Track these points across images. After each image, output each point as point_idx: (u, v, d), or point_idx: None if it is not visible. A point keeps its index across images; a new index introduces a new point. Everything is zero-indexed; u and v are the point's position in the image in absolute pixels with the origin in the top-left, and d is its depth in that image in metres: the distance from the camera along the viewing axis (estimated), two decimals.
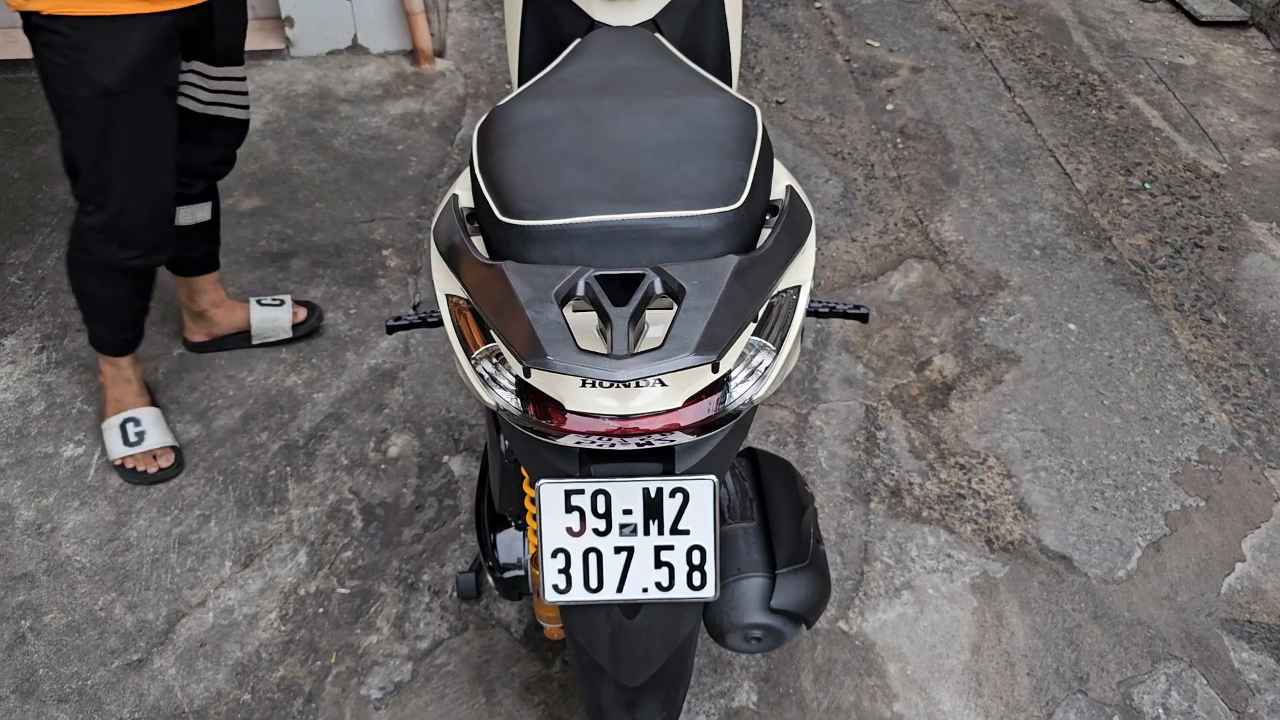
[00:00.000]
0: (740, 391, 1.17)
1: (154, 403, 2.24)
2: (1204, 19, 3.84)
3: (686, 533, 1.29)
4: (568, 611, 1.39)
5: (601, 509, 1.28)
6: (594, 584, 1.30)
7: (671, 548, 1.29)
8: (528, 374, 1.15)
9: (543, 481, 1.27)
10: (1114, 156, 3.17)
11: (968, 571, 2.01)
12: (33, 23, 1.73)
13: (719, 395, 1.16)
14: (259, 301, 2.44)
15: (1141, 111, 3.38)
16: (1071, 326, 2.57)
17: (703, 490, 1.27)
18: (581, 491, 1.28)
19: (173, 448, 2.17)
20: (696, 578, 1.30)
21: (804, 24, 3.86)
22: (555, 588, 1.30)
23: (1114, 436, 2.28)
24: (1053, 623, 1.93)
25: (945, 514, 2.12)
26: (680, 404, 1.15)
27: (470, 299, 1.16)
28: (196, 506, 2.09)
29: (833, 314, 1.76)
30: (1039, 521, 2.11)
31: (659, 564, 1.30)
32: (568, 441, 1.20)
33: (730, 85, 1.97)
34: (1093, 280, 2.71)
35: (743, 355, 1.19)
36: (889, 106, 3.40)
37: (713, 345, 1.02)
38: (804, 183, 3.03)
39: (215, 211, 2.25)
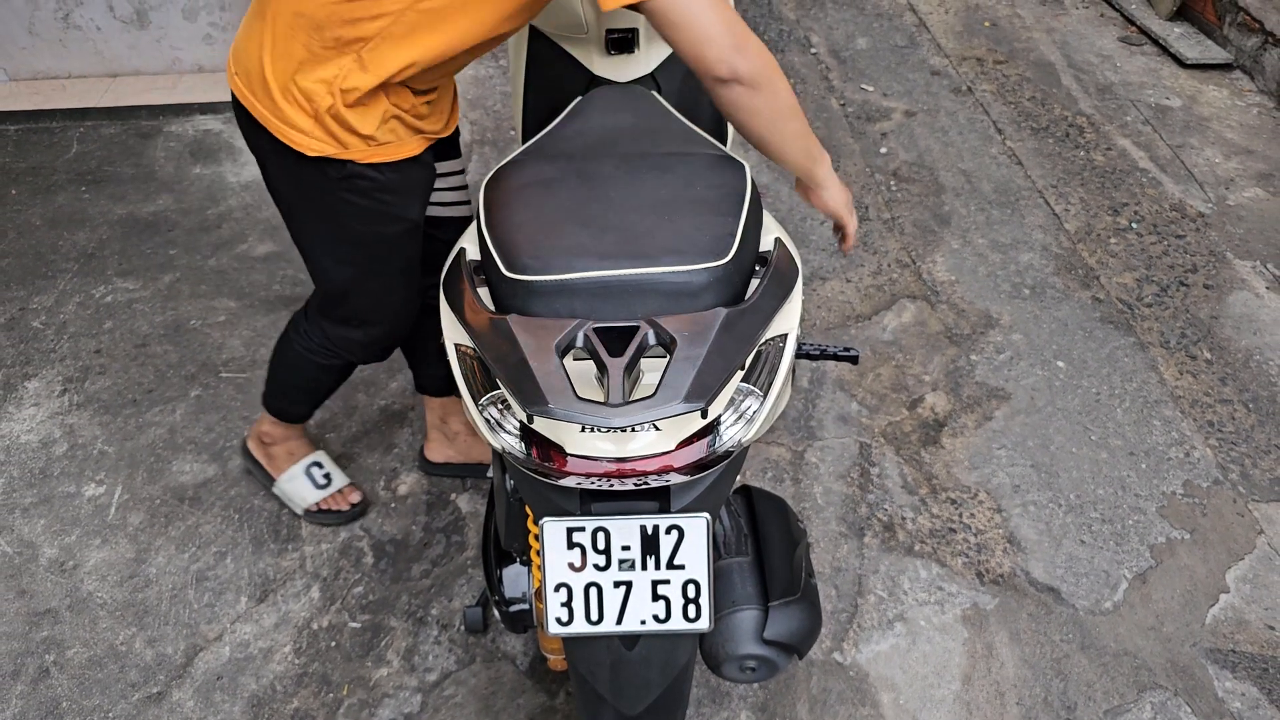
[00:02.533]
0: (730, 434, 1.25)
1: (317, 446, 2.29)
2: (1189, 62, 3.95)
3: (682, 567, 1.36)
4: (570, 643, 1.46)
5: (601, 545, 1.36)
6: (595, 616, 1.38)
7: (668, 582, 1.37)
8: (531, 420, 1.23)
9: (546, 520, 1.35)
10: (1101, 197, 3.26)
11: (959, 603, 2.08)
12: (339, 173, 1.60)
13: (710, 438, 1.24)
14: None
15: (1129, 153, 3.47)
16: (1060, 364, 2.65)
17: (697, 527, 1.35)
18: (582, 529, 1.35)
19: (355, 485, 2.24)
20: (692, 610, 1.37)
21: (800, 69, 3.97)
22: (558, 620, 1.38)
23: (1101, 471, 2.35)
24: (1041, 653, 1.99)
25: (937, 548, 2.19)
26: (673, 447, 1.23)
27: (477, 349, 1.24)
28: (213, 544, 2.17)
29: (824, 356, 1.84)
30: (1028, 554, 2.17)
31: (656, 597, 1.37)
32: (569, 483, 1.28)
33: (726, 137, 2.06)
34: (1081, 319, 2.78)
35: (732, 400, 1.27)
36: (883, 150, 3.50)
37: (701, 393, 1.10)
38: (799, 225, 3.12)
39: None
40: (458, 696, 1.92)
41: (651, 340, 1.18)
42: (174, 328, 2.70)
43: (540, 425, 1.24)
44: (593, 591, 1.37)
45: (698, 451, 1.23)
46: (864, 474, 2.35)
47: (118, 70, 3.70)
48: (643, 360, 1.34)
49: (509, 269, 1.30)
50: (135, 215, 3.10)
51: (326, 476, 2.22)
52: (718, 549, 1.66)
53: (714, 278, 1.27)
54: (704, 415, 1.16)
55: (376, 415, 2.47)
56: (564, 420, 1.09)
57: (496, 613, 1.67)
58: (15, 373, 2.57)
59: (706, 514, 1.35)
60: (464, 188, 2.00)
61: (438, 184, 1.88)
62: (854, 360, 1.78)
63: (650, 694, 1.44)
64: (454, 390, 2.15)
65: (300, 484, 2.21)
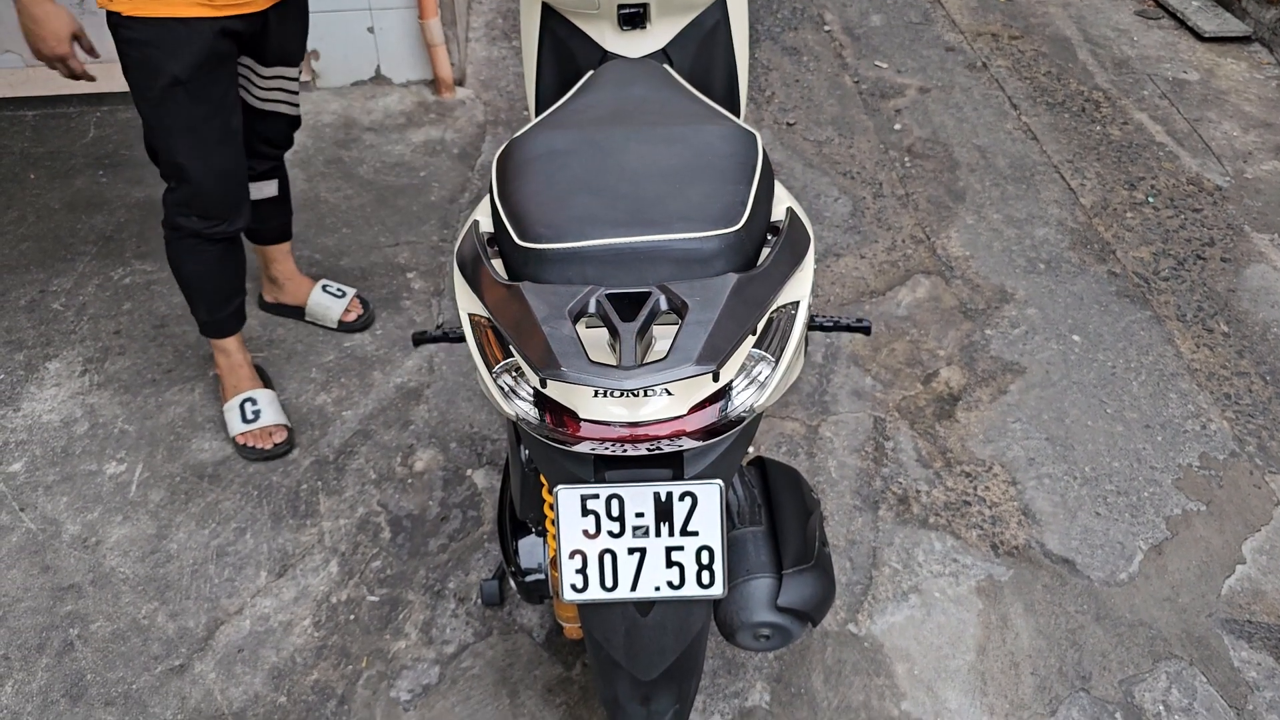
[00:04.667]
0: (741, 399, 1.26)
1: (268, 385, 2.45)
2: (1207, 35, 3.91)
3: (695, 534, 1.37)
4: (585, 610, 1.47)
5: (615, 512, 1.37)
6: (609, 583, 1.39)
7: (682, 548, 1.38)
8: (544, 385, 1.24)
9: (560, 487, 1.36)
10: (1118, 171, 3.24)
11: (973, 575, 2.08)
12: (113, 21, 1.94)
13: (722, 403, 1.25)
14: (324, 286, 2.69)
15: (1145, 127, 3.45)
16: (1076, 338, 2.64)
17: (710, 494, 1.36)
18: (596, 496, 1.36)
19: (285, 426, 2.36)
20: (705, 576, 1.38)
21: (814, 47, 3.96)
22: (573, 587, 1.39)
23: (1116, 444, 2.35)
24: (1056, 624, 2.00)
25: (951, 520, 2.19)
26: (685, 411, 1.23)
27: (490, 317, 1.25)
28: (233, 520, 2.19)
29: (837, 328, 1.84)
30: (1043, 527, 2.18)
31: (670, 564, 1.38)
32: (583, 449, 1.29)
33: (739, 110, 2.06)
34: (1096, 293, 2.77)
35: (744, 366, 1.28)
36: (897, 126, 3.49)
37: (713, 356, 1.10)
38: (813, 202, 3.12)
39: (283, 188, 2.49)
40: (475, 668, 1.94)
41: (663, 306, 1.18)
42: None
43: (553, 391, 1.25)
44: (607, 558, 1.38)
45: (710, 416, 1.24)
46: (878, 448, 2.36)
47: None
48: (655, 327, 1.35)
49: (521, 238, 1.31)
50: (152, 198, 3.12)
51: (256, 413, 2.35)
52: (731, 518, 1.67)
53: (725, 244, 1.28)
54: (716, 378, 1.17)
55: (392, 393, 2.49)
56: (577, 383, 1.10)
57: (513, 583, 1.69)
58: (36, 354, 2.60)
59: (719, 480, 1.36)
60: (296, 93, 2.33)
61: (271, 82, 2.24)
62: (866, 331, 1.78)
63: (665, 659, 1.45)
64: (272, 240, 2.59)
65: (233, 415, 2.37)
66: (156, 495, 2.25)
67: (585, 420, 1.24)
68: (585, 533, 1.38)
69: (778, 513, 1.66)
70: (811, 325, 1.95)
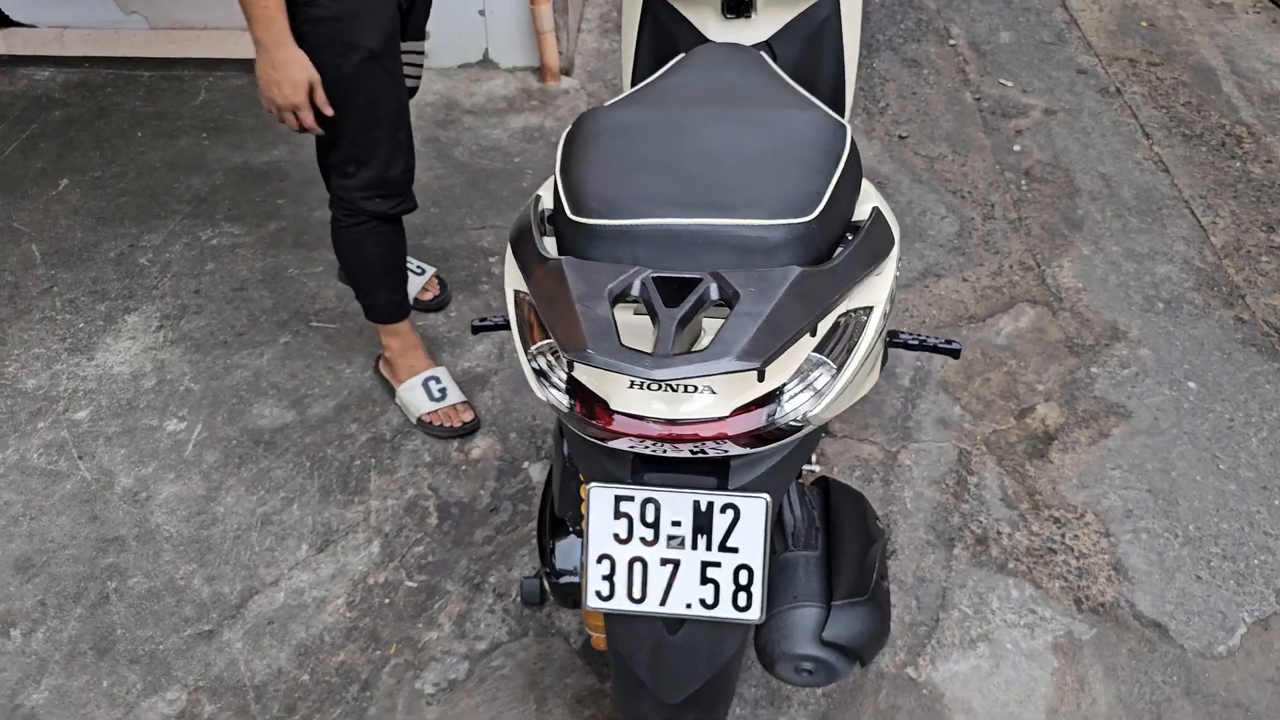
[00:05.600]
0: (793, 406, 1.14)
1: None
2: None
3: (735, 551, 1.26)
4: (611, 621, 1.36)
5: (650, 518, 1.26)
6: (637, 594, 1.28)
7: (718, 565, 1.26)
8: (571, 368, 1.14)
9: (594, 485, 1.26)
10: (1256, 212, 2.99)
11: (1051, 630, 1.91)
12: (299, 1, 1.81)
13: (771, 408, 1.13)
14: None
15: None
16: (1191, 385, 2.43)
17: (755, 508, 1.24)
18: (631, 498, 1.26)
19: (470, 404, 2.31)
20: (742, 598, 1.26)
21: (936, 60, 3.79)
22: (598, 594, 1.29)
23: (1227, 503, 2.14)
24: (1139, 693, 1.81)
25: (1033, 568, 2.02)
26: (728, 413, 1.12)
27: (530, 292, 1.16)
28: (282, 489, 2.15)
29: (922, 347, 1.70)
30: (1135, 585, 1.98)
31: (705, 580, 1.27)
32: (621, 445, 1.18)
33: (845, 107, 1.94)
34: (1219, 338, 2.55)
35: (801, 370, 1.16)
36: (1016, 147, 3.30)
37: (758, 352, 0.99)
38: (918, 219, 2.96)
39: None
40: (505, 669, 1.85)
41: (714, 295, 1.07)
42: (272, 274, 2.71)
43: (585, 377, 1.15)
44: (637, 567, 1.28)
45: (755, 420, 1.12)
46: (960, 482, 2.19)
47: None
48: (706, 320, 1.23)
49: (574, 212, 1.21)
50: (250, 164, 3.14)
51: (442, 391, 2.29)
52: (785, 540, 1.55)
53: (793, 235, 1.16)
54: (761, 377, 1.05)
55: (459, 376, 2.42)
56: (603, 367, 0.99)
57: (547, 584, 1.59)
58: (117, 305, 2.61)
59: (767, 495, 1.24)
60: (421, 67, 2.27)
61: (406, 57, 2.10)
62: (955, 354, 1.64)
63: (692, 684, 1.34)
64: None
65: (416, 394, 2.28)
66: (211, 456, 2.22)
67: (617, 412, 1.13)
68: (616, 537, 1.27)
69: (836, 539, 1.53)
70: (895, 342, 1.81)
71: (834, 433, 2.30)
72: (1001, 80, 3.67)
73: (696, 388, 1.12)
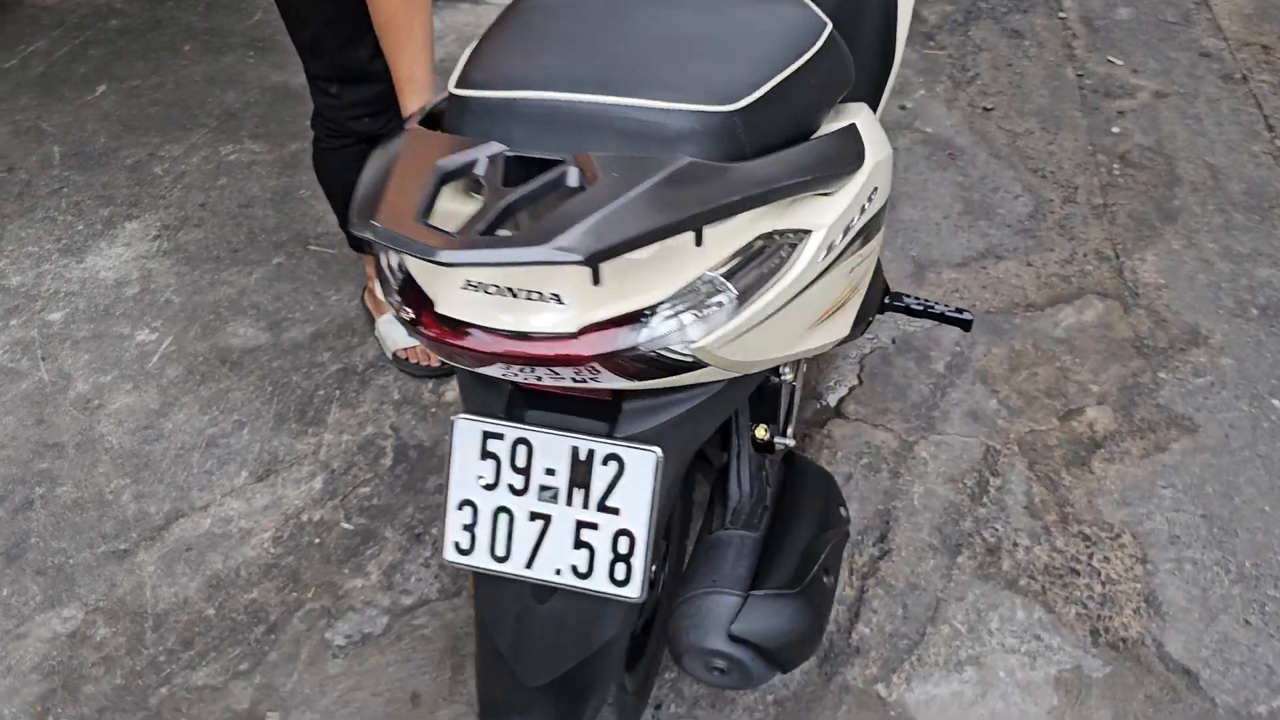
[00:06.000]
0: (666, 329, 0.91)
1: None
2: None
3: (616, 512, 1.04)
4: (480, 582, 1.16)
5: (521, 462, 1.06)
6: (501, 551, 1.08)
7: (595, 527, 1.05)
8: (360, 248, 0.95)
9: (458, 416, 1.06)
10: None
11: (1057, 661, 1.63)
12: None
13: (633, 328, 0.91)
14: None
15: None
16: (1276, 403, 2.09)
17: (643, 463, 1.02)
18: (500, 436, 1.05)
19: None
20: (620, 570, 1.05)
21: (1040, 33, 3.44)
22: (456, 545, 1.09)
23: None
24: None
25: (1048, 588, 1.73)
26: (575, 330, 0.90)
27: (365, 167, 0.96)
28: (237, 411, 2.01)
29: (927, 314, 1.45)
30: (1167, 622, 1.69)
31: (579, 544, 1.06)
32: (494, 372, 0.98)
33: (881, 95, 1.65)
34: None
35: (686, 292, 0.93)
36: (1115, 129, 2.95)
37: (585, 245, 0.76)
38: (989, 195, 2.66)
39: None
40: (428, 629, 1.66)
41: (573, 181, 0.85)
42: (282, 195, 2.58)
43: (417, 273, 0.95)
44: (502, 519, 1.07)
45: (609, 341, 0.90)
46: (981, 483, 1.92)
47: None
48: None
49: (456, 84, 1.01)
50: (288, 84, 3.02)
51: None
52: (725, 516, 1.33)
53: (701, 125, 0.93)
54: (596, 280, 0.83)
55: None
56: (383, 241, 0.78)
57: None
58: (120, 212, 2.52)
59: (658, 449, 1.02)
60: None
61: None
62: (966, 326, 1.39)
63: (557, 665, 1.12)
64: None
65: (394, 327, 2.13)
66: (174, 371, 2.10)
67: (440, 315, 0.92)
68: (481, 481, 1.07)
69: (783, 521, 1.30)
70: (897, 306, 1.57)
71: (847, 414, 2.05)
72: (1111, 58, 3.31)
73: (542, 294, 0.90)
